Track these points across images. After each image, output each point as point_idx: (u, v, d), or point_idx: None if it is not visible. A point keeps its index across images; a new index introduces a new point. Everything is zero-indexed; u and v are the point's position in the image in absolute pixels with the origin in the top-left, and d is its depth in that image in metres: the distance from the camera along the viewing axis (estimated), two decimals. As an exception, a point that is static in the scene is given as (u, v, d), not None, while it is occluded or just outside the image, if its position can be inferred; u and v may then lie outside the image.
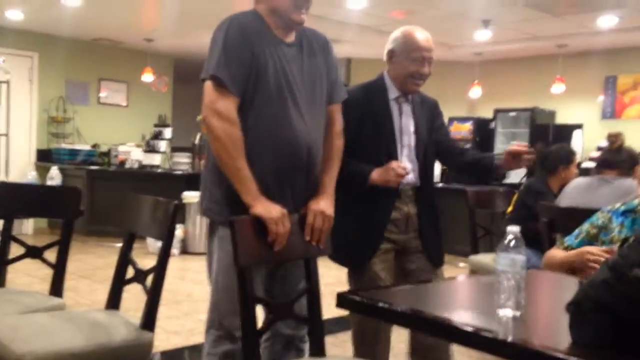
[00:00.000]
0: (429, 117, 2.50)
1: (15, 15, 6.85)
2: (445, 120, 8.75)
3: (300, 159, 2.00)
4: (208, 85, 1.91)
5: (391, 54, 2.39)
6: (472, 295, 1.86)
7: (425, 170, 2.44)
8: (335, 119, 2.14)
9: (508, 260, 1.50)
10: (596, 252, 2.09)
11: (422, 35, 2.36)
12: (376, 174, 2.29)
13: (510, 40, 7.10)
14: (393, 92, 2.41)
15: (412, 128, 2.42)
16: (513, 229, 1.53)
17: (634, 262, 1.18)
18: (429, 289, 1.91)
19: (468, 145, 7.77)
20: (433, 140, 2.48)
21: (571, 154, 4.04)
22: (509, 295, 1.46)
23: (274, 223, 1.85)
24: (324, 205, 2.01)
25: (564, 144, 4.40)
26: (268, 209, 1.86)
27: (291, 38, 2.03)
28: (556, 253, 2.36)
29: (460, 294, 1.89)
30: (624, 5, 5.47)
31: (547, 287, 1.99)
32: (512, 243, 1.52)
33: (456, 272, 6.34)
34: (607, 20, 6.00)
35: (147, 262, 2.23)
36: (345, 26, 6.45)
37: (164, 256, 2.09)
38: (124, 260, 2.25)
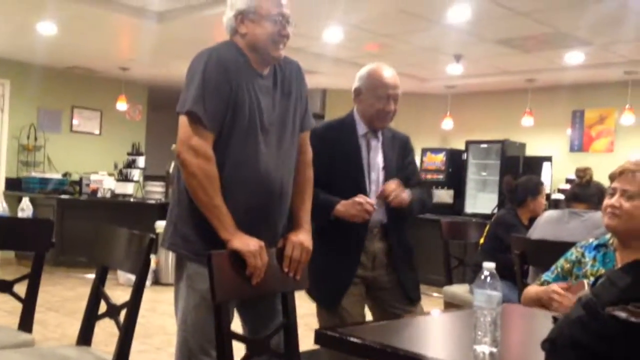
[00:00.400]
0: (400, 153, 2.52)
1: (-13, 43, 6.79)
2: (419, 151, 8.78)
3: (274, 194, 2.00)
4: (184, 120, 1.89)
5: (358, 91, 2.43)
6: (449, 330, 1.87)
7: (394, 207, 2.42)
8: (305, 148, 2.15)
9: (484, 296, 1.51)
10: (556, 289, 2.13)
11: (387, 73, 2.41)
12: (342, 206, 2.31)
13: (481, 75, 7.28)
14: (362, 128, 2.45)
15: (381, 164, 2.45)
16: (489, 265, 1.54)
17: (607, 301, 1.21)
18: (406, 325, 1.92)
19: (441, 176, 7.91)
20: (402, 177, 2.48)
21: (539, 185, 4.12)
22: (485, 332, 1.47)
23: (252, 256, 1.85)
24: (303, 237, 2.02)
25: (532, 176, 4.48)
26: (246, 243, 1.86)
27: (267, 70, 2.03)
28: (532, 289, 2.40)
29: (437, 330, 1.90)
30: (590, 43, 5.67)
31: (521, 322, 2.01)
32: (488, 279, 1.53)
33: (431, 302, 6.36)
34: (573, 57, 6.21)
35: (118, 294, 2.20)
36: (321, 58, 6.55)
37: (137, 291, 2.06)
38: (96, 294, 2.21)
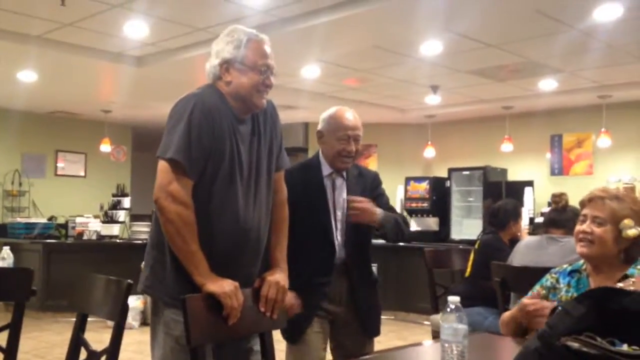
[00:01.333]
0: (367, 188, 2.57)
1: (-31, 92, 6.85)
2: (402, 180, 8.77)
3: (250, 240, 2.02)
4: (164, 165, 1.90)
5: (320, 134, 2.52)
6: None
7: (357, 244, 2.49)
8: (280, 187, 2.17)
9: (450, 330, 1.55)
10: (528, 302, 2.17)
11: (348, 115, 2.49)
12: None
13: (459, 104, 7.42)
14: (326, 169, 2.52)
15: (345, 202, 2.49)
16: (454, 299, 1.58)
17: (561, 331, 1.25)
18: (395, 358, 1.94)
19: (425, 204, 7.97)
20: None
21: (519, 208, 4.19)
22: (452, 365, 1.51)
23: (227, 297, 1.86)
24: (279, 276, 2.04)
25: (510, 200, 4.53)
26: (221, 285, 1.87)
27: (247, 116, 2.06)
28: (506, 314, 2.43)
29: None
30: (561, 71, 5.82)
31: (492, 352, 2.05)
32: (454, 313, 1.57)
33: (422, 330, 6.38)
34: (547, 84, 6.36)
35: (106, 336, 2.20)
36: (301, 93, 6.65)
37: (117, 337, 2.07)
38: (76, 341, 2.22)
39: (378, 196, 2.61)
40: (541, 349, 1.26)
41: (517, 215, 4.13)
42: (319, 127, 2.54)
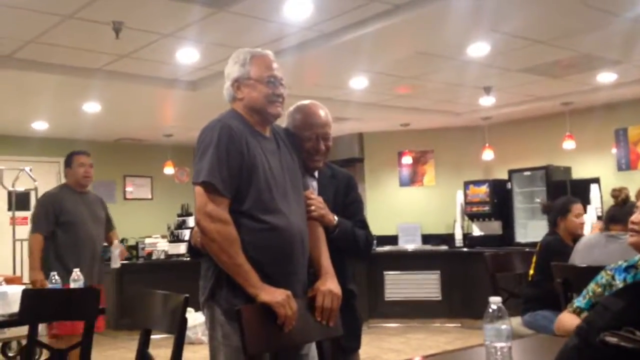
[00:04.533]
0: (339, 192, 2.45)
1: (40, 126, 7.28)
2: (461, 184, 8.62)
3: (296, 246, 2.09)
4: (199, 189, 2.02)
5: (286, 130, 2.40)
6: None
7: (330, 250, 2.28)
8: (308, 195, 2.26)
9: (494, 331, 1.55)
10: None
11: (315, 111, 2.37)
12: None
13: (515, 103, 7.26)
14: None
15: None
16: (495, 299, 1.57)
17: (600, 327, 1.24)
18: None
19: (486, 208, 7.82)
20: (341, 216, 2.37)
21: (568, 204, 4.06)
22: (496, 368, 1.50)
23: (281, 306, 1.93)
24: (331, 285, 2.10)
25: (565, 196, 4.43)
26: (273, 295, 1.94)
27: (267, 132, 2.19)
28: (565, 318, 2.38)
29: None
30: (619, 62, 5.61)
31: (543, 354, 2.01)
32: (496, 313, 1.56)
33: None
34: (606, 77, 6.13)
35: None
36: (351, 104, 6.70)
37: (177, 350, 2.17)
38: (142, 357, 2.34)
39: (351, 203, 2.47)
40: (580, 345, 1.25)
41: (565, 211, 4.02)
42: (285, 123, 2.40)
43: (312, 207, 2.24)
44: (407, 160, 8.41)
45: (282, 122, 2.40)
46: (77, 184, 4.41)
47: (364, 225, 2.47)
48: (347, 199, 2.46)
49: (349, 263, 2.47)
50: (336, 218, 2.33)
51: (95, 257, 4.41)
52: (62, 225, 4.24)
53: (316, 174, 2.46)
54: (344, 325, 2.27)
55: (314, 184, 2.44)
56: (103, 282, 4.52)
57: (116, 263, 4.52)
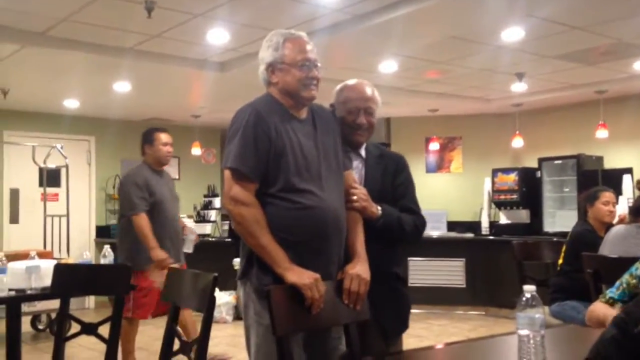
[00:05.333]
0: (388, 172, 2.39)
1: (71, 104, 7.38)
2: (489, 172, 8.53)
3: (329, 224, 2.09)
4: (227, 174, 2.07)
5: (332, 107, 2.41)
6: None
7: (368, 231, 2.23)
8: (349, 186, 2.25)
9: (527, 319, 1.53)
10: None
11: (362, 87, 2.38)
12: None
13: (547, 90, 7.13)
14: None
15: (361, 182, 2.34)
16: (529, 288, 1.56)
17: (639, 318, 1.22)
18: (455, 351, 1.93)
19: (514, 196, 7.72)
20: (388, 199, 2.33)
21: (597, 192, 4.06)
22: (530, 356, 1.49)
23: (307, 289, 1.94)
24: (360, 269, 2.10)
25: (595, 187, 4.40)
26: (301, 276, 1.96)
27: (304, 114, 2.18)
28: (597, 308, 2.35)
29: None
30: (658, 49, 5.46)
31: (579, 343, 1.98)
32: (530, 302, 1.54)
33: (514, 326, 6.13)
34: (643, 64, 5.98)
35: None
36: (380, 89, 6.58)
37: (206, 327, 2.20)
38: (170, 332, 2.37)
39: (400, 185, 2.40)
40: (618, 336, 1.23)
41: (593, 199, 4.01)
42: (332, 101, 2.41)
43: (355, 198, 2.22)
44: (434, 146, 8.34)
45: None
46: (157, 162, 4.37)
47: (413, 210, 2.41)
48: (396, 180, 2.40)
49: (399, 246, 2.42)
50: (379, 209, 2.28)
51: (180, 236, 4.39)
52: (151, 206, 4.19)
53: (363, 153, 2.43)
54: (389, 308, 2.29)
55: (358, 163, 2.40)
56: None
57: (189, 248, 4.52)
